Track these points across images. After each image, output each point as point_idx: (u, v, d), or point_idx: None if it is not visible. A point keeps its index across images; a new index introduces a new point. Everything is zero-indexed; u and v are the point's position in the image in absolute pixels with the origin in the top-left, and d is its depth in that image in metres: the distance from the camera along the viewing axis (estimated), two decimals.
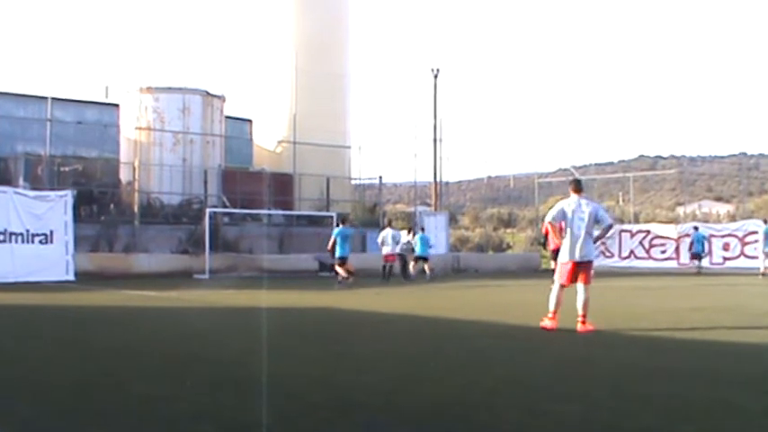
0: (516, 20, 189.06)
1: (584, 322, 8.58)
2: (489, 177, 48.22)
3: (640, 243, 29.07)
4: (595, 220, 8.84)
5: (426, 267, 21.15)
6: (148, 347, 7.69)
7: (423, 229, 23.00)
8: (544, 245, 17.64)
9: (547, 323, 8.77)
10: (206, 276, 20.87)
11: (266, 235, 23.27)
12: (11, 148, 27.41)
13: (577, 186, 9.03)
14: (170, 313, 11.81)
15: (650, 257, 28.62)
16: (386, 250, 20.32)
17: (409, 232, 22.52)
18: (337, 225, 18.21)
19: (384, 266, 20.41)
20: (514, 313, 11.23)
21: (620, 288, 17.70)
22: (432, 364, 6.52)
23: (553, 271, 16.76)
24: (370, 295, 15.32)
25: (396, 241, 20.47)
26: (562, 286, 8.86)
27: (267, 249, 22.71)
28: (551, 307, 8.80)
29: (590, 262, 8.83)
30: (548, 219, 9.09)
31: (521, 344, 8.00)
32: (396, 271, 20.89)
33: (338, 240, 17.40)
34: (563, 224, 8.83)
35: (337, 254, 17.35)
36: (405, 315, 11.14)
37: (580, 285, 8.70)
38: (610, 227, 9.08)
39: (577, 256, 8.73)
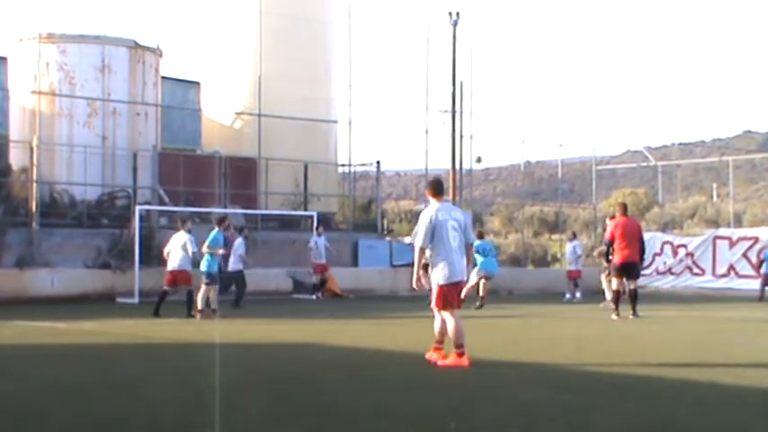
0: None
1: (445, 356, 9.66)
2: (528, 163, 48.25)
3: (744, 255, 28.96)
4: (464, 233, 9.76)
5: None
6: (54, 406, 7.57)
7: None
8: (607, 257, 17.56)
9: (457, 360, 9.59)
10: (135, 300, 20.79)
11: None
12: None
13: (437, 189, 9.92)
14: (84, 354, 11.67)
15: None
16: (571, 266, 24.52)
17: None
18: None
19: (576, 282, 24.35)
20: (565, 352, 11.16)
21: (714, 320, 17.62)
22: (452, 427, 6.49)
23: (615, 292, 17.18)
24: (370, 326, 15.23)
25: (578, 255, 24.49)
26: (455, 311, 9.69)
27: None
28: (460, 340, 9.63)
29: (464, 282, 9.95)
30: (419, 240, 9.70)
31: (580, 397, 7.98)
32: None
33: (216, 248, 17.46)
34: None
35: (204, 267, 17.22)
36: (416, 354, 11.08)
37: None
38: (471, 246, 10.08)
39: (459, 276, 9.68)
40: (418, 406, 7.46)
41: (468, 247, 9.85)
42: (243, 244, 20.61)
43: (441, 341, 9.85)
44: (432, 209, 9.70)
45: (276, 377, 9.23)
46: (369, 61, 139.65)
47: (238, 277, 20.35)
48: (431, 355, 9.90)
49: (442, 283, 9.57)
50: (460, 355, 9.54)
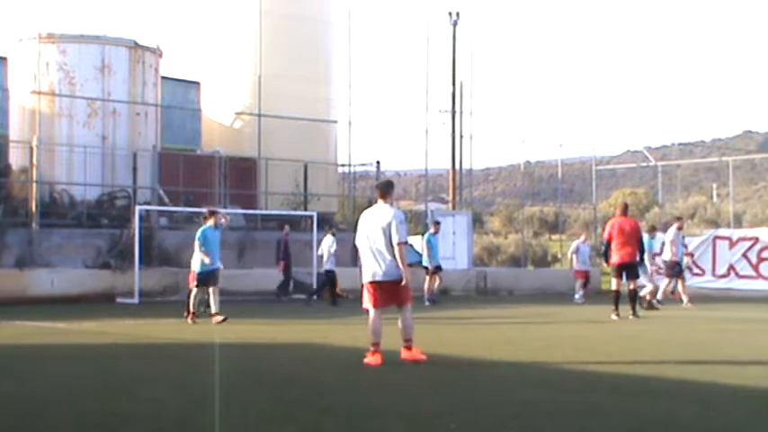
0: None
1: (409, 348, 9.88)
2: (528, 163, 48.20)
3: (744, 255, 28.92)
4: (389, 232, 9.76)
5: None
6: (54, 406, 7.58)
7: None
8: (606, 256, 17.53)
9: (369, 359, 9.79)
10: (135, 300, 20.79)
11: (220, 242, 23.10)
12: None
13: (383, 190, 10.19)
14: (84, 354, 11.70)
15: (759, 276, 28.47)
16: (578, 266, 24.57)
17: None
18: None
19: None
20: (565, 352, 11.16)
21: (714, 320, 17.62)
22: (452, 427, 6.48)
23: (615, 292, 17.18)
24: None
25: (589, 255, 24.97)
26: (375, 310, 9.91)
27: (221, 262, 22.55)
28: (371, 338, 9.84)
29: (397, 281, 9.80)
30: (358, 240, 10.09)
31: (580, 397, 7.97)
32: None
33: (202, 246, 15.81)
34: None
35: (196, 268, 15.86)
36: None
37: (401, 308, 9.89)
38: (401, 245, 9.83)
39: (378, 276, 9.81)
40: (418, 406, 7.46)
41: (399, 245, 9.73)
42: (334, 242, 21.20)
43: (376, 344, 9.81)
44: (367, 211, 10.17)
45: (276, 377, 9.23)
46: (369, 61, 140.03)
47: (329, 276, 21.06)
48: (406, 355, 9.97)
49: (362, 282, 10.04)
50: (374, 353, 9.79)
